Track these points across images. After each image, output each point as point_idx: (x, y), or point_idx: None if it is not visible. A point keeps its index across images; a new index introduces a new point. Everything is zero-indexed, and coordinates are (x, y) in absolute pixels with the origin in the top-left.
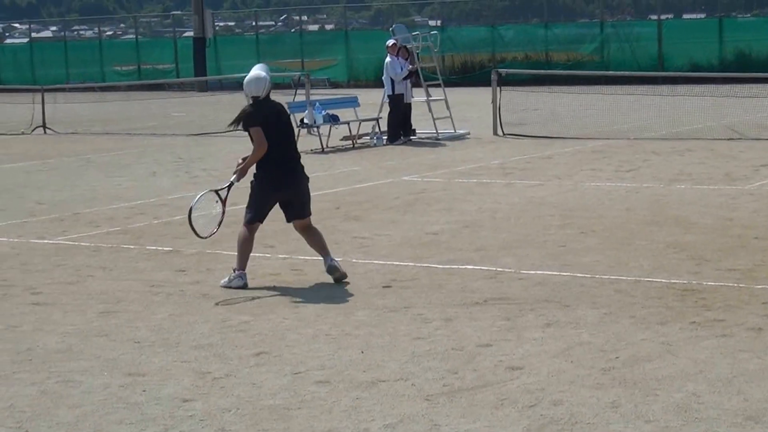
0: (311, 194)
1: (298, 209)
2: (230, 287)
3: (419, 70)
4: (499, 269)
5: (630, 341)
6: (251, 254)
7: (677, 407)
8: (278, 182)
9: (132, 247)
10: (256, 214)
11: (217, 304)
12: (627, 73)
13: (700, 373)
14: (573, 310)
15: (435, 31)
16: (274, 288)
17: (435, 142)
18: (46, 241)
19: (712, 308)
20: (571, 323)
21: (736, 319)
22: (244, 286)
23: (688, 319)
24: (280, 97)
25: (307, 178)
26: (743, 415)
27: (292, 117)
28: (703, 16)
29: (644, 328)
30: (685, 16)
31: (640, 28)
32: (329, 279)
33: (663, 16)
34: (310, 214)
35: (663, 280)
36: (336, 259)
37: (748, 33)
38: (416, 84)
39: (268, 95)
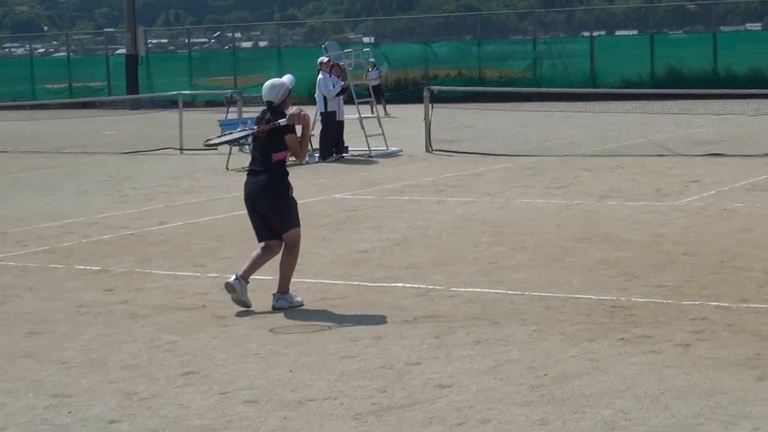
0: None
1: (269, 224)
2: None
3: (351, 86)
4: (429, 287)
5: (559, 358)
6: (184, 273)
7: (605, 424)
8: (245, 193)
9: (60, 266)
10: (254, 231)
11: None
12: (559, 90)
13: (628, 390)
14: (503, 327)
15: (368, 48)
16: (203, 307)
17: (367, 159)
18: None
19: (641, 324)
20: (501, 340)
21: (665, 335)
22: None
23: (617, 335)
24: (213, 115)
25: (277, 191)
26: (670, 431)
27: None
28: (635, 32)
29: (573, 344)
30: (617, 33)
31: (573, 45)
32: (258, 298)
33: (595, 33)
34: (284, 232)
35: (593, 297)
36: (286, 300)
37: (679, 49)
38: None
39: (277, 104)
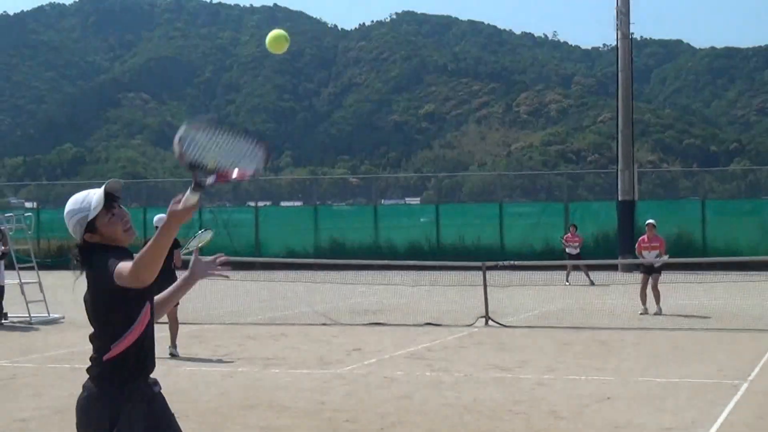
0: None
1: None
2: None
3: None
4: None
5: None
6: None
7: None
8: None
9: None
10: None
11: None
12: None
13: None
14: None
15: (29, 213)
16: None
17: (28, 326)
18: None
19: None
20: None
21: None
22: None
23: None
24: None
25: None
26: None
27: None
28: (300, 203)
29: None
30: (282, 204)
31: (239, 215)
32: None
33: (260, 203)
34: None
35: None
36: None
37: (341, 221)
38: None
39: None
